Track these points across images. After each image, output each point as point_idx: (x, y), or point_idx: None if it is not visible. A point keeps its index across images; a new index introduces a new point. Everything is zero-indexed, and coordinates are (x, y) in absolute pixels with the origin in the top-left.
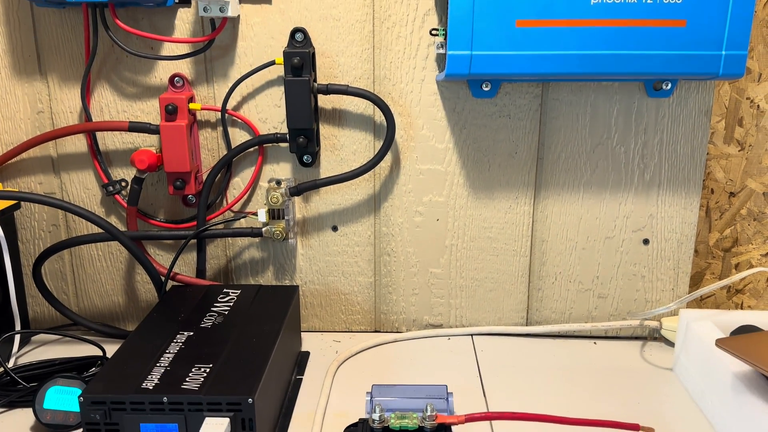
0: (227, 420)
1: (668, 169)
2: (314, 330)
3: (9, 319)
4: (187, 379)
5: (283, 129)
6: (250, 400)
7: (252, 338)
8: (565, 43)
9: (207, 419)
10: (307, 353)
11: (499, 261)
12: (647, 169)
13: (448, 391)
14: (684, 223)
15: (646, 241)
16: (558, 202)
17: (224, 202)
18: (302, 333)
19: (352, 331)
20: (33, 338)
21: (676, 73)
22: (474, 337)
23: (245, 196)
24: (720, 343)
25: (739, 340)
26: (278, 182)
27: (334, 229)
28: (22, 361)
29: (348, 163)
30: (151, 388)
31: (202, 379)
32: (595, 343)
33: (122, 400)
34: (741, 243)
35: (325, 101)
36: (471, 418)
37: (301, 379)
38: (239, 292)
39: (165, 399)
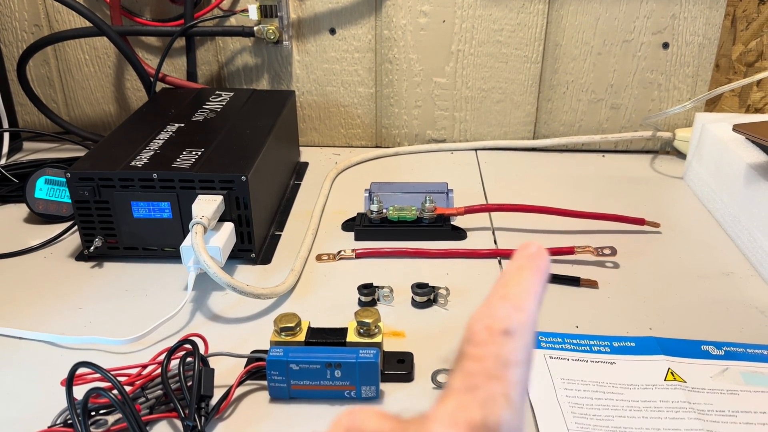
0: (220, 197)
1: None
2: (313, 144)
3: None
4: (177, 159)
5: None
6: (243, 177)
7: (246, 130)
8: None
9: (199, 196)
10: (306, 163)
11: (508, 69)
12: None
13: (449, 188)
14: (708, 25)
15: (665, 45)
16: None
17: None
18: (301, 147)
19: (352, 146)
20: (24, 146)
21: None
22: (478, 151)
23: None
24: (738, 127)
25: (758, 124)
26: None
27: (332, 32)
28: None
29: None
30: (140, 166)
31: (194, 160)
32: (603, 156)
33: (110, 176)
34: (766, 57)
35: None
36: (470, 210)
37: (300, 184)
38: (232, 94)
39: (155, 176)
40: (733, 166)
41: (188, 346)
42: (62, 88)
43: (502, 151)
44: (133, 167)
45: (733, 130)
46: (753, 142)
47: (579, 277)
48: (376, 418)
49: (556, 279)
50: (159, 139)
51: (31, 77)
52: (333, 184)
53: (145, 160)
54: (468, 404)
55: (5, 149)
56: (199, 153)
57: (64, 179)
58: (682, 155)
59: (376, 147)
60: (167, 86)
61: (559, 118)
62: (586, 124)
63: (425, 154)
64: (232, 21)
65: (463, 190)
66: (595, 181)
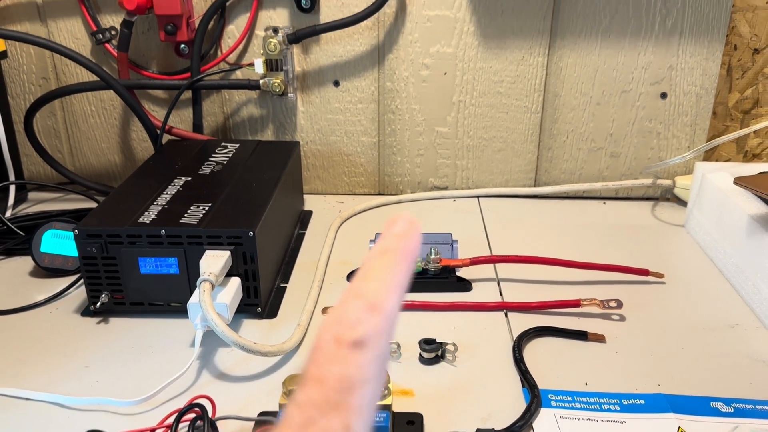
0: (228, 253)
1: (691, 15)
2: (317, 192)
3: (3, 172)
4: (185, 215)
5: None
6: (251, 233)
7: (252, 183)
8: None
9: (207, 252)
10: (310, 212)
11: (508, 119)
12: (669, 15)
13: (453, 238)
14: (705, 75)
15: (663, 95)
16: (574, 52)
17: (218, 52)
18: (305, 195)
19: (355, 194)
20: (29, 197)
21: None
22: (480, 198)
23: (240, 45)
24: (739, 180)
25: (758, 177)
26: (275, 30)
27: (336, 84)
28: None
29: (350, 9)
30: (148, 222)
31: (201, 215)
32: (604, 203)
33: (118, 233)
34: (762, 104)
35: None
36: (475, 261)
37: (304, 233)
38: (238, 145)
39: (163, 232)
40: (735, 216)
41: (197, 409)
42: (68, 139)
43: (503, 198)
44: (141, 223)
45: (735, 183)
46: (755, 195)
47: (586, 332)
48: None
49: (563, 333)
50: (167, 194)
51: (37, 128)
52: (337, 234)
53: (153, 216)
54: None
55: (11, 201)
56: (207, 208)
57: (71, 233)
58: (682, 202)
59: (379, 194)
60: (173, 137)
61: (560, 166)
62: (586, 171)
63: (428, 201)
64: (238, 74)
65: (467, 237)
66: (596, 229)
